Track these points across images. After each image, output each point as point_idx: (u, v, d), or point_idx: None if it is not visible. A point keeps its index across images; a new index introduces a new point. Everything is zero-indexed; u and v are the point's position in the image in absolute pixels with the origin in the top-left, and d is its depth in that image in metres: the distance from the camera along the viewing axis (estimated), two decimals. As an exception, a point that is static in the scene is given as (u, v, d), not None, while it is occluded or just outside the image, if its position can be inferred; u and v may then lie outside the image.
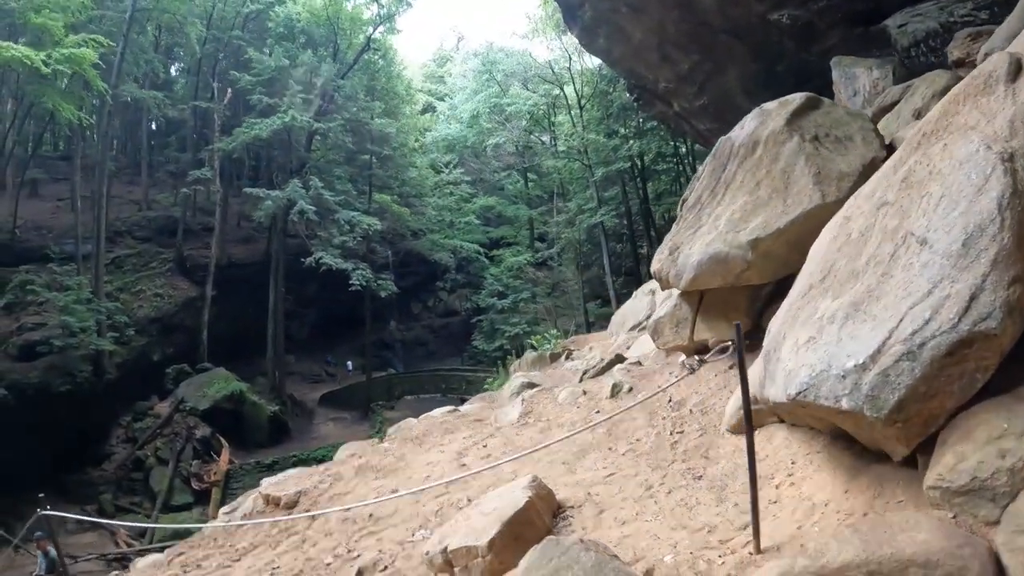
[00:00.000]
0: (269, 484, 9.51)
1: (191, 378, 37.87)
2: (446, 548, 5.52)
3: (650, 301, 15.15)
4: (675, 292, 9.62)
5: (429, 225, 51.91)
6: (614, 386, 9.72)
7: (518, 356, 25.32)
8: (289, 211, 38.98)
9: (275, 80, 42.83)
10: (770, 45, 19.79)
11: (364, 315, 47.32)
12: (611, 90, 43.10)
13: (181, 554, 8.16)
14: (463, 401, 38.30)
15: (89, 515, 30.14)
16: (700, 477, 6.19)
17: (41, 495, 7.25)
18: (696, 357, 5.11)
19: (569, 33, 45.32)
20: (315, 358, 49.65)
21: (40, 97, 33.63)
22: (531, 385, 12.00)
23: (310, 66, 41.96)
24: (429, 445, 9.65)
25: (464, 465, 8.24)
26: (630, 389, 9.55)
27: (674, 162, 46.78)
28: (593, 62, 46.48)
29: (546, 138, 51.22)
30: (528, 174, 56.17)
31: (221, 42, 45.55)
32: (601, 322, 39.32)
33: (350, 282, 39.51)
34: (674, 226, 9.83)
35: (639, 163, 42.91)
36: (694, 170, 47.91)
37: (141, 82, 42.62)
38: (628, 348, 12.91)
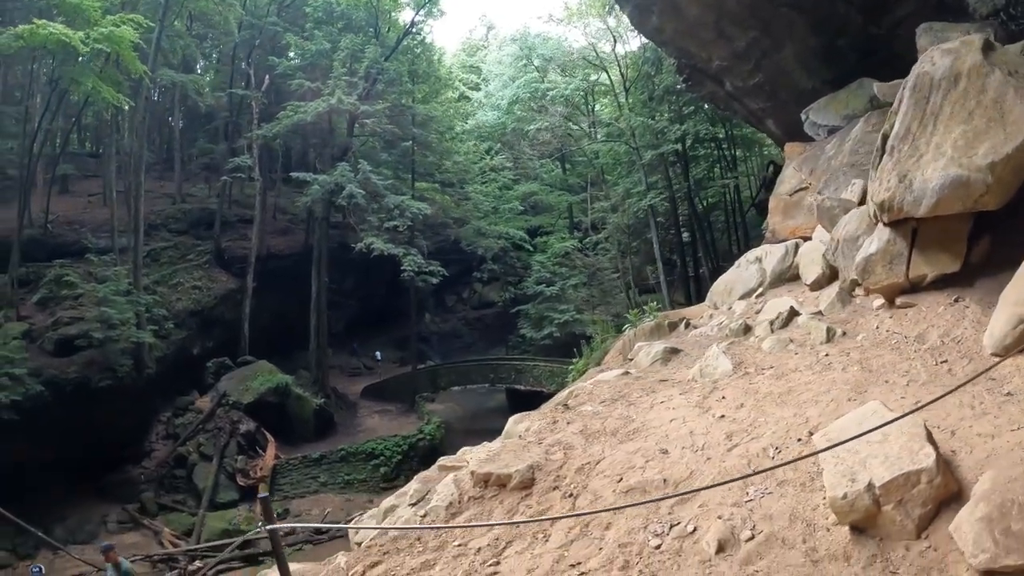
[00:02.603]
0: (479, 461, 7.71)
1: (232, 372, 36.10)
2: (870, 484, 4.80)
3: (758, 268, 15.10)
4: (882, 228, 9.65)
5: (473, 212, 49.76)
6: (828, 330, 9.50)
7: (586, 342, 23.57)
8: (334, 197, 37.03)
9: (315, 65, 40.82)
10: (834, 18, 18.62)
11: (399, 308, 46.13)
12: (653, 72, 41.11)
13: (376, 564, 6.40)
14: (514, 392, 37.00)
15: (131, 514, 28.92)
16: (1010, 394, 5.95)
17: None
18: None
19: (613, 15, 44.09)
20: (354, 352, 47.87)
21: (77, 79, 31.64)
22: (675, 350, 11.56)
23: (353, 49, 39.74)
24: (644, 405, 8.56)
25: (723, 417, 7.26)
26: (844, 333, 9.35)
27: (713, 147, 45.25)
28: (634, 45, 44.85)
29: (585, 124, 48.93)
30: (567, 160, 54.26)
31: (256, 28, 43.55)
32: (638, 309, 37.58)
33: (401, 268, 37.40)
34: (885, 157, 9.64)
35: (681, 147, 40.78)
36: (733, 156, 46.47)
37: (177, 69, 40.47)
38: (758, 312, 12.43)
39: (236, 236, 41.41)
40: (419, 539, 6.52)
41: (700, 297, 30.58)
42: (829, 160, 17.65)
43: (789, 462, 5.46)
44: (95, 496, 29.42)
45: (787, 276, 14.29)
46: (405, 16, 46.02)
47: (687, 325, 14.98)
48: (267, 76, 42.10)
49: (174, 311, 35.42)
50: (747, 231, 46.57)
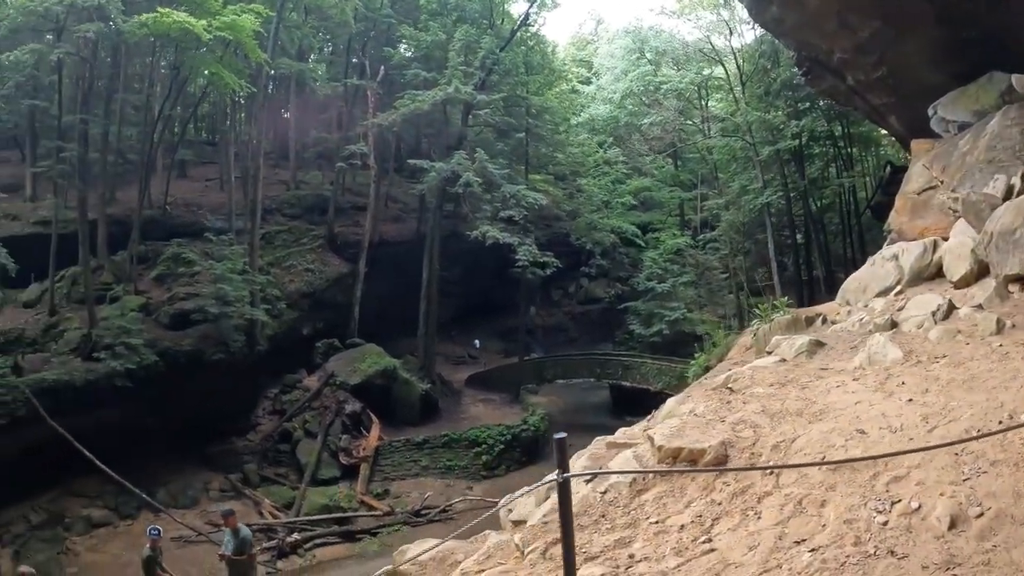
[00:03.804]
0: (665, 436, 7.06)
1: (341, 353, 36.06)
2: None
3: (896, 266, 14.18)
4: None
5: (586, 205, 48.76)
6: (998, 321, 8.88)
7: (697, 341, 22.35)
8: (449, 186, 36.51)
9: (429, 56, 40.72)
10: (962, 8, 16.69)
11: (503, 300, 45.21)
12: (770, 66, 39.54)
13: (560, 541, 5.38)
14: (619, 388, 35.76)
15: (233, 484, 29.13)
16: None
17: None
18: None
19: (727, 6, 42.38)
20: (456, 341, 46.99)
21: (199, 66, 32.50)
22: (819, 343, 10.81)
23: (468, 40, 39.18)
24: (819, 389, 7.87)
25: (911, 401, 6.72)
26: (1012, 325, 8.79)
27: (828, 145, 43.05)
28: (748, 37, 43.13)
29: (697, 119, 47.27)
30: (678, 157, 52.97)
31: (371, 21, 43.57)
32: (747, 312, 36.07)
33: (515, 259, 36.64)
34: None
35: (797, 144, 38.94)
36: (849, 154, 44.06)
37: (293, 60, 40.59)
38: (900, 309, 11.65)
39: (348, 222, 41.41)
40: (604, 516, 6.09)
41: (813, 301, 28.74)
42: (963, 156, 16.48)
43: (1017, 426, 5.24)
44: (199, 464, 29.74)
45: (926, 274, 13.34)
46: (517, 8, 45.53)
47: (824, 321, 14.22)
48: (382, 67, 42.04)
49: (286, 292, 35.60)
50: (862, 234, 44.09)
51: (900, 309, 11.86)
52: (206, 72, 33.90)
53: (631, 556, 5.12)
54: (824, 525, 4.83)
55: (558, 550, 5.36)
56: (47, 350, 27.61)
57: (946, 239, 13.71)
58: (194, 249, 32.76)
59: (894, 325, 10.80)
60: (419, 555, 7.27)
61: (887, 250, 15.80)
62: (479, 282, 45.70)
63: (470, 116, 39.59)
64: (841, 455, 5.58)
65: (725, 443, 6.41)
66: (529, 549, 5.92)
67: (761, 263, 42.56)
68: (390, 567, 7.26)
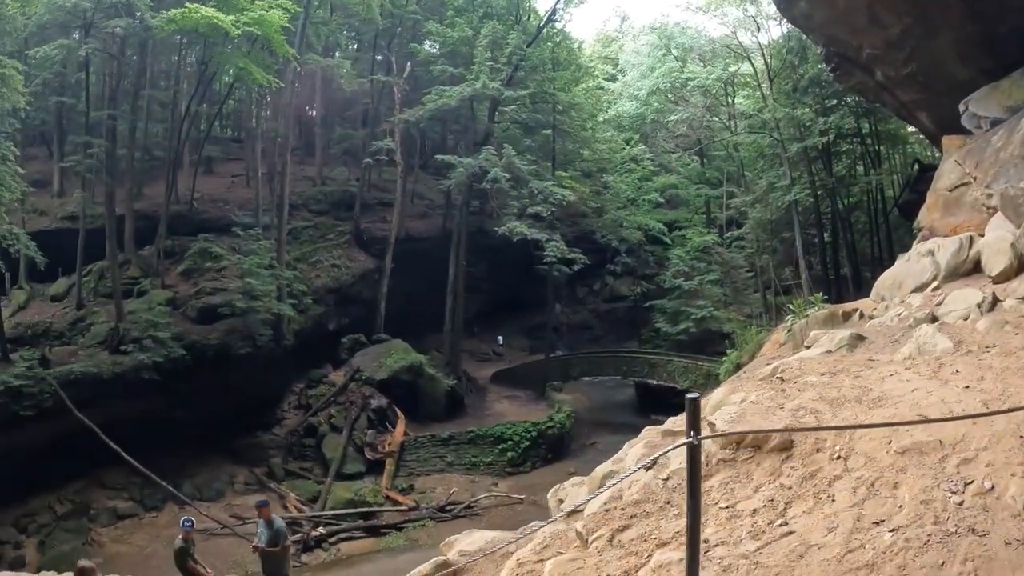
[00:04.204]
0: (727, 422, 7.05)
1: (367, 348, 35.96)
2: None
3: (931, 261, 14.15)
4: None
5: (613, 202, 48.46)
6: None
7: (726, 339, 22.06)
8: (476, 181, 36.26)
9: (456, 53, 40.52)
10: (995, 2, 17.05)
11: (528, 297, 45.36)
12: (798, 62, 39.05)
13: (626, 528, 5.84)
14: (645, 386, 35.69)
15: (258, 477, 29.28)
16: None
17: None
18: None
19: (755, 2, 42.01)
20: (480, 338, 47.06)
21: (226, 62, 32.58)
22: (860, 336, 10.67)
23: (495, 36, 38.95)
24: (873, 378, 7.66)
25: (968, 388, 6.61)
26: None
27: (856, 143, 42.33)
28: (775, 33, 42.89)
29: (724, 116, 46.89)
30: (704, 155, 52.55)
31: (397, 17, 43.54)
32: (774, 310, 35.93)
33: (543, 255, 36.46)
34: None
35: (825, 141, 38.36)
36: (877, 152, 43.61)
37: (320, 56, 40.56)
38: (939, 304, 11.58)
39: (375, 218, 41.44)
40: (669, 503, 5.99)
41: (841, 299, 28.38)
42: (997, 152, 16.53)
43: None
44: (224, 457, 29.85)
45: (962, 270, 13.25)
46: (543, 4, 45.30)
47: (860, 316, 14.13)
48: (408, 63, 41.97)
49: (313, 287, 35.71)
50: (890, 233, 43.59)
51: (939, 304, 11.79)
52: (233, 69, 33.98)
53: (705, 541, 5.00)
54: (900, 506, 4.77)
55: (626, 536, 5.65)
56: (74, 343, 27.95)
57: (981, 235, 13.65)
58: (221, 244, 32.99)
59: (934, 319, 10.68)
60: (468, 546, 7.29)
61: (922, 246, 15.72)
62: (504, 279, 45.60)
63: (496, 112, 39.42)
64: (909, 439, 5.42)
65: (789, 428, 6.25)
66: (593, 537, 5.84)
67: (787, 262, 42.13)
68: (440, 558, 7.14)
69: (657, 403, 35.60)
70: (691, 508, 3.38)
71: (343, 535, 25.61)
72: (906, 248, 19.78)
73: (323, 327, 36.20)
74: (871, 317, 13.49)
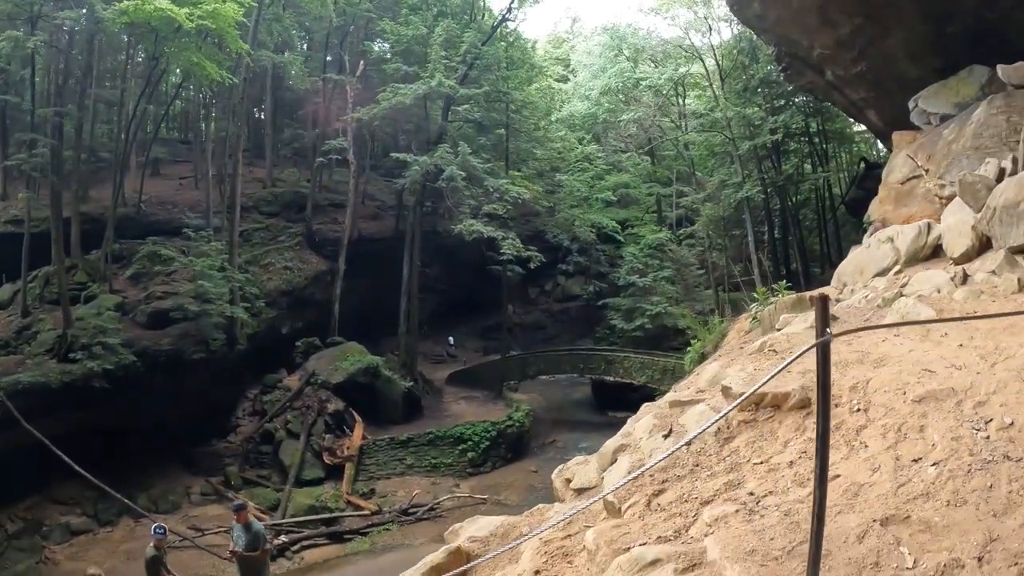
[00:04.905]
0: (740, 386, 7.02)
1: (321, 351, 35.32)
2: None
3: (891, 248, 15.03)
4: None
5: (567, 200, 48.70)
6: (1019, 280, 9.69)
7: (679, 335, 22.12)
8: (430, 180, 36.05)
9: (409, 51, 40.31)
10: (945, 3, 18.21)
11: (480, 299, 45.73)
12: (748, 62, 40.36)
13: (661, 492, 5.86)
14: (601, 384, 36.24)
15: (215, 487, 28.54)
16: None
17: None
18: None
19: (706, 4, 42.83)
20: (433, 339, 46.80)
21: (178, 57, 31.53)
22: (833, 317, 10.91)
23: (451, 34, 38.95)
24: (868, 343, 7.91)
25: (962, 346, 7.08)
26: None
27: (804, 141, 43.82)
28: (726, 35, 43.80)
29: (675, 116, 47.67)
30: (655, 154, 53.31)
31: (349, 15, 43.09)
32: (727, 306, 36.97)
33: (501, 252, 36.32)
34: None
35: (775, 140, 39.40)
36: (824, 151, 44.85)
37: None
38: (903, 286, 12.34)
39: (326, 219, 40.94)
40: (698, 465, 6.07)
41: (794, 294, 29.10)
42: (948, 145, 17.58)
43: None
44: (180, 467, 29.13)
45: (922, 255, 14.13)
46: (497, 4, 45.48)
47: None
48: (361, 62, 41.43)
49: (265, 290, 35.13)
50: (837, 229, 44.84)
51: (904, 285, 12.31)
52: (183, 66, 33.19)
53: (751, 494, 5.13)
54: (933, 445, 5.02)
55: (663, 499, 5.66)
56: (21, 352, 26.75)
57: (937, 223, 14.37)
58: (171, 247, 32.18)
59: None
60: (478, 532, 7.29)
61: (881, 233, 16.45)
62: (457, 280, 45.57)
63: (450, 111, 39.16)
64: (922, 389, 5.70)
65: (805, 387, 6.40)
66: (627, 505, 5.85)
67: (738, 259, 43.01)
68: (452, 544, 7.08)
69: (614, 400, 36.01)
70: (821, 412, 3.40)
71: (306, 543, 25.03)
72: (853, 243, 20.61)
73: (276, 331, 35.56)
74: (838, 300, 14.04)
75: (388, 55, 40.54)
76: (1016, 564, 3.59)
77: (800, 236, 44.40)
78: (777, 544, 4.23)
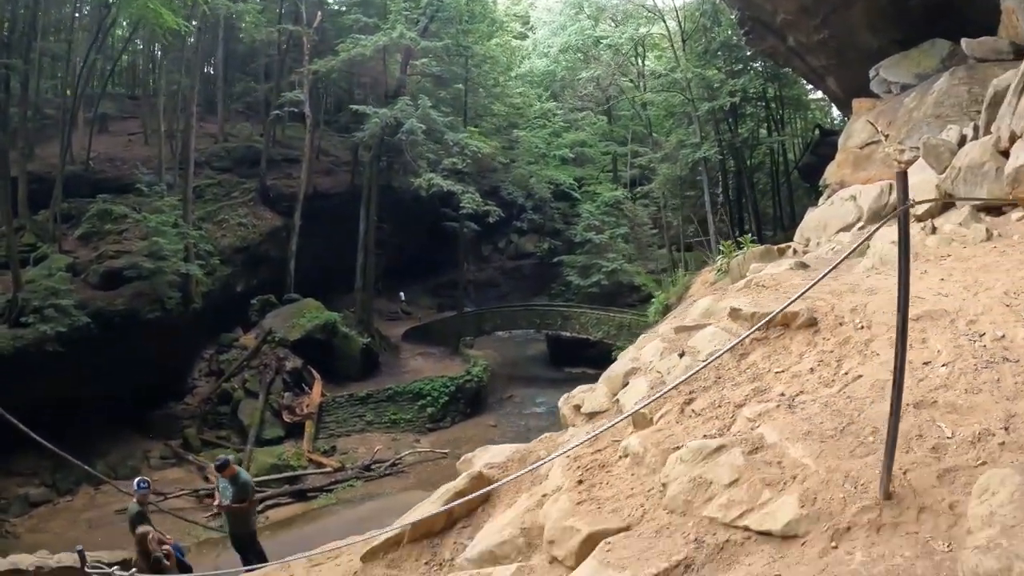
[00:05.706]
0: (749, 308, 7.53)
1: (278, 309, 35.13)
2: None
3: (854, 206, 15.50)
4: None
5: (525, 156, 48.43)
6: (987, 230, 9.83)
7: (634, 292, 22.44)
8: (389, 134, 35.61)
9: (369, 2, 39.82)
10: None
11: (433, 256, 46.13)
12: (710, 25, 40.91)
13: (691, 401, 6.21)
14: (557, 339, 37.67)
15: (174, 450, 28.37)
16: None
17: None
18: None
19: None
20: (387, 296, 46.66)
21: (130, 4, 30.46)
22: (804, 264, 11.48)
23: (412, -17, 37.98)
24: (853, 277, 8.56)
25: (944, 280, 7.38)
26: (999, 234, 9.64)
27: (761, 106, 44.69)
28: None
29: (633, 76, 47.96)
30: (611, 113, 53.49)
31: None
32: (681, 264, 37.35)
33: (461, 206, 36.49)
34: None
35: (732, 103, 40.13)
36: (781, 116, 45.76)
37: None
38: (870, 238, 11.87)
39: (280, 175, 40.30)
40: (720, 378, 6.42)
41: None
42: (910, 112, 18.45)
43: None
44: (137, 432, 28.89)
45: (884, 212, 14.41)
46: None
47: (794, 252, 15.37)
48: (318, 12, 40.59)
49: (219, 248, 34.56)
50: (791, 193, 45.90)
51: (871, 238, 12.75)
52: (136, 15, 31.93)
53: (782, 395, 5.49)
54: (939, 351, 5.48)
55: (697, 406, 5.98)
56: (-31, 318, 26.00)
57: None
58: (122, 203, 31.48)
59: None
60: (493, 459, 7.58)
61: (844, 192, 17.02)
62: (411, 237, 45.32)
63: (409, 65, 38.62)
64: (917, 310, 6.06)
65: (810, 309, 6.81)
66: (660, 415, 6.16)
67: (692, 219, 43.92)
68: (472, 470, 7.20)
69: (570, 356, 36.76)
70: (903, 282, 3.56)
71: (270, 502, 24.95)
72: (807, 207, 21.43)
73: (231, 289, 35.09)
74: (804, 252, 14.70)
75: (345, 7, 39.72)
76: (1038, 433, 4.05)
77: (754, 199, 45.32)
78: (827, 426, 4.70)
